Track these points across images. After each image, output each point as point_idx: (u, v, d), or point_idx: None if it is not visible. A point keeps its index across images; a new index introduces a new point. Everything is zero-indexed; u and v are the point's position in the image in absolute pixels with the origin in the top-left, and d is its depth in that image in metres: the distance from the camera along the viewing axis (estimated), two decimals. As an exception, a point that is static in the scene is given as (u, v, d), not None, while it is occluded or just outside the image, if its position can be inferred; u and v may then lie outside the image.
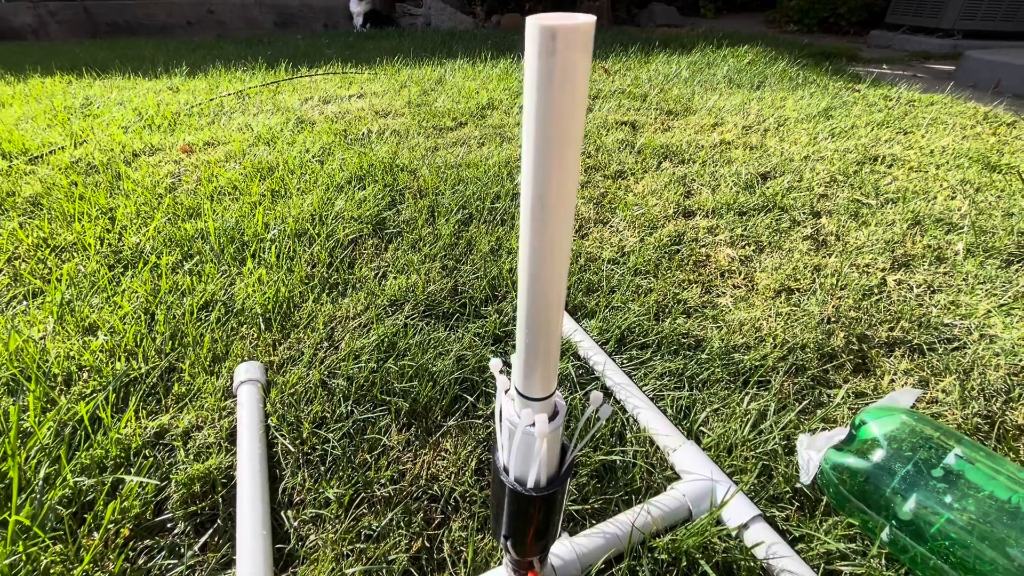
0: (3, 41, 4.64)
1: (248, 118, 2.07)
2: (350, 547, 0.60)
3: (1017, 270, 1.11)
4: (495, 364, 0.40)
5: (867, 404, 0.79)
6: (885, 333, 0.94)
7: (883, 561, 0.59)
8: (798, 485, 0.67)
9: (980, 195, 1.43)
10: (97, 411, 0.74)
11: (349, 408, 0.77)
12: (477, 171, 1.52)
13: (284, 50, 3.74)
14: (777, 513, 0.64)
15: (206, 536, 0.62)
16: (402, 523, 0.63)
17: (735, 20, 6.28)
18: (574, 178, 0.27)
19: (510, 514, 0.44)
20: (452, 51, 3.58)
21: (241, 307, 0.96)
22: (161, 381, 0.81)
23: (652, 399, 0.80)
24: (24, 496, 0.62)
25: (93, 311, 0.94)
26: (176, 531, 0.62)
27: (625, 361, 0.88)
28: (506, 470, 0.42)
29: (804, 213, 1.34)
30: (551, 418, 0.38)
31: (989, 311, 0.99)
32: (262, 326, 0.92)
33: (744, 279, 1.09)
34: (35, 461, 0.66)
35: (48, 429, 0.70)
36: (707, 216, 1.34)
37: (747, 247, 1.20)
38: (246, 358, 0.85)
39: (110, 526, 0.60)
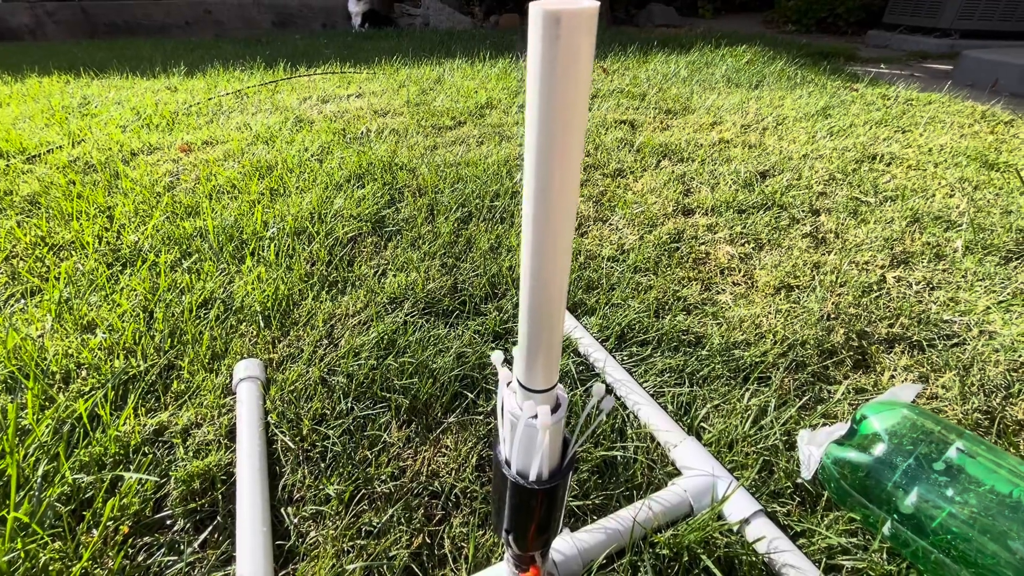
0: (1, 41, 4.63)
1: (247, 117, 2.06)
2: (351, 543, 0.60)
3: (1016, 267, 1.11)
4: (497, 357, 0.40)
5: (867, 400, 0.79)
6: (885, 329, 0.94)
7: (884, 555, 0.58)
8: (799, 480, 0.67)
9: (978, 193, 1.44)
10: (96, 408, 0.74)
11: (349, 405, 0.76)
12: (476, 169, 1.52)
13: (282, 50, 3.74)
14: (778, 508, 0.64)
15: (206, 533, 0.62)
16: (403, 519, 0.62)
17: (733, 20, 6.29)
18: (577, 166, 0.27)
19: (512, 508, 0.43)
20: (450, 51, 3.58)
21: (240, 305, 0.95)
22: (160, 379, 0.81)
23: (653, 395, 0.80)
24: (23, 493, 0.61)
25: (91, 309, 0.94)
26: (176, 528, 0.62)
27: (625, 358, 0.88)
28: (508, 463, 0.42)
29: (803, 211, 1.34)
30: (553, 410, 0.38)
31: (988, 308, 0.99)
32: (261, 324, 0.92)
33: (744, 276, 1.09)
34: (33, 459, 0.66)
35: (46, 427, 0.70)
36: (706, 214, 1.34)
37: (747, 245, 1.20)
38: (245, 356, 0.85)
39: (109, 523, 0.60)
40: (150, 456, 0.68)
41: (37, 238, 1.16)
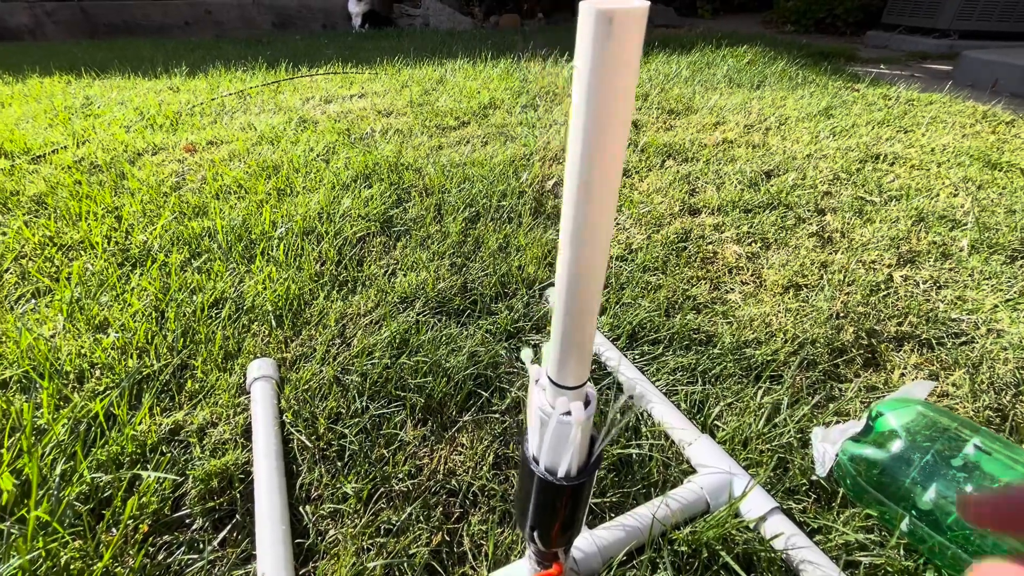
0: (0, 42, 4.62)
1: (250, 117, 2.06)
2: (370, 541, 0.60)
3: (1022, 266, 1.11)
4: (527, 354, 0.41)
5: (879, 397, 0.79)
6: (894, 328, 0.94)
7: (901, 552, 0.59)
8: (814, 478, 0.67)
9: (982, 192, 1.44)
10: (112, 408, 0.74)
11: (364, 404, 0.77)
12: (483, 169, 1.52)
13: (283, 50, 3.73)
14: (794, 505, 0.65)
15: (225, 532, 0.62)
16: (421, 517, 0.63)
17: (732, 21, 6.31)
18: (619, 165, 0.27)
19: (538, 505, 0.44)
20: (452, 51, 3.58)
21: (252, 304, 0.96)
22: (174, 378, 0.81)
23: (666, 393, 0.80)
24: (42, 492, 0.61)
25: (103, 309, 0.94)
26: (195, 527, 0.62)
27: (637, 356, 0.88)
28: (536, 460, 0.42)
29: (809, 210, 1.35)
30: (584, 406, 0.38)
31: (996, 306, 1.00)
32: (273, 323, 0.92)
33: (752, 275, 1.10)
34: (51, 458, 0.66)
35: (63, 426, 0.70)
36: (713, 214, 1.34)
37: (754, 244, 1.21)
38: (258, 355, 0.85)
39: (129, 522, 0.60)
40: (167, 455, 0.68)
41: (45, 238, 1.16)
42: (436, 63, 3.13)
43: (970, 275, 1.09)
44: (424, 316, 0.95)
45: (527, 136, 1.86)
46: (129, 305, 0.94)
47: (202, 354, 0.84)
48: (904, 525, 0.57)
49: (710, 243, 1.21)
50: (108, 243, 1.15)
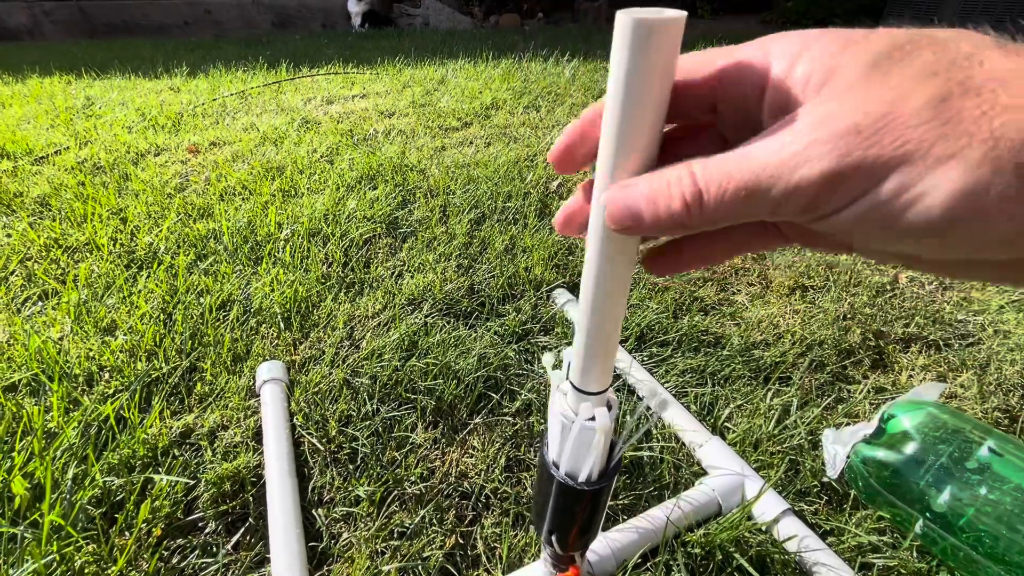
0: (-2, 41, 4.61)
1: (252, 118, 2.06)
2: (384, 544, 0.60)
3: (1026, 266, 1.12)
4: (548, 359, 0.41)
5: (888, 399, 0.79)
6: (901, 329, 0.95)
7: (914, 553, 0.59)
8: (825, 479, 0.68)
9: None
10: (122, 411, 0.74)
11: (375, 407, 0.77)
12: (487, 170, 1.52)
13: (283, 50, 3.73)
14: (806, 507, 0.65)
15: (238, 535, 0.62)
16: (434, 520, 0.63)
17: (731, 21, 6.32)
18: (652, 167, 0.27)
19: (557, 509, 0.44)
20: (452, 51, 3.58)
21: (259, 307, 0.95)
22: (183, 381, 0.81)
23: (675, 395, 0.80)
24: (54, 496, 0.61)
25: (110, 311, 0.93)
26: (208, 530, 0.62)
27: (646, 358, 0.88)
28: (556, 465, 0.42)
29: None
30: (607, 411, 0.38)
31: (1002, 307, 1.00)
32: (281, 325, 0.92)
33: (758, 277, 1.10)
34: (62, 461, 0.66)
35: (74, 429, 0.70)
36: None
37: (759, 245, 1.21)
38: (267, 357, 0.85)
39: (142, 526, 0.60)
40: (179, 459, 0.68)
41: (51, 240, 1.16)
42: (437, 63, 3.13)
43: (975, 276, 1.10)
44: (432, 318, 0.95)
45: (530, 137, 1.86)
46: (137, 307, 0.94)
47: (211, 357, 0.84)
48: (917, 527, 0.58)
49: (716, 244, 1.21)
50: (114, 245, 1.15)
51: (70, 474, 0.64)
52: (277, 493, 0.64)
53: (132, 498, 0.63)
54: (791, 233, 0.22)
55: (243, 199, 1.37)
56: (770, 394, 0.80)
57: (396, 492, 0.66)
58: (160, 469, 0.67)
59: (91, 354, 0.84)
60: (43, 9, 4.81)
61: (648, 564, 0.58)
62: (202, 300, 0.96)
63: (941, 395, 0.66)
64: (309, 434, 0.72)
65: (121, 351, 0.85)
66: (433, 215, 1.29)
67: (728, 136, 0.23)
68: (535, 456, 0.71)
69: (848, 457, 0.64)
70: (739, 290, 1.06)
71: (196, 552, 0.60)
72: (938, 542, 0.57)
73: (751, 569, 0.56)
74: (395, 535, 0.61)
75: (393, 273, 1.08)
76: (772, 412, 0.77)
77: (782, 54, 0.19)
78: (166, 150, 1.73)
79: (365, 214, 1.27)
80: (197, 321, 0.92)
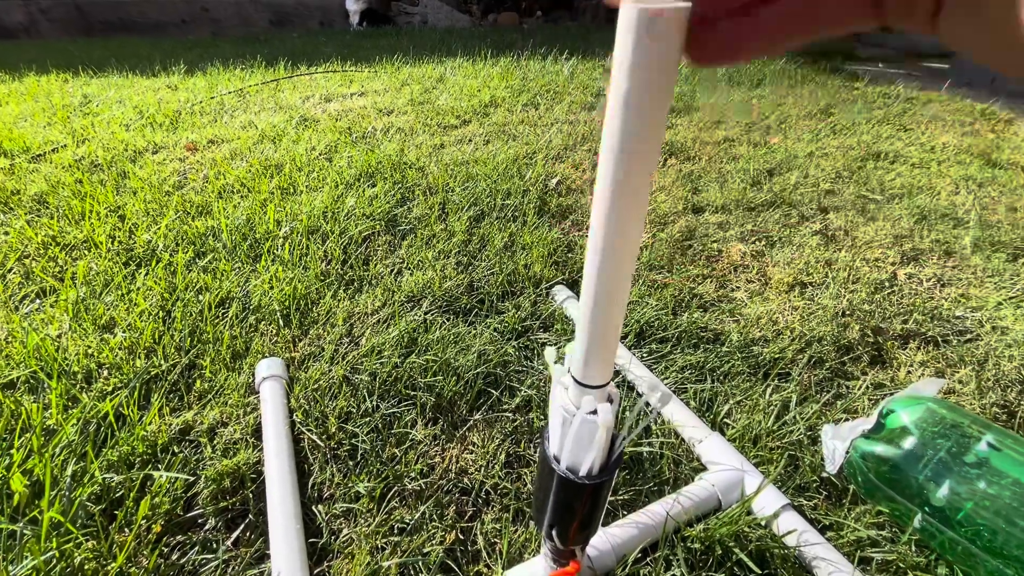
0: (-6, 39, 4.58)
1: (250, 116, 2.05)
2: (384, 540, 0.60)
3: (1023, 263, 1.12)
4: (550, 353, 0.41)
5: (887, 395, 0.80)
6: (899, 326, 0.95)
7: (913, 547, 0.59)
8: (824, 474, 0.68)
9: (983, 190, 1.45)
10: (121, 408, 0.74)
11: (374, 403, 0.77)
12: (486, 168, 1.52)
13: (281, 48, 3.72)
14: (805, 502, 0.65)
15: (238, 531, 0.62)
16: (435, 516, 0.63)
17: (730, 19, 6.31)
18: (654, 165, 0.27)
19: (558, 503, 0.44)
20: (451, 49, 3.58)
21: (258, 304, 0.95)
22: (182, 378, 0.81)
23: (675, 392, 0.80)
24: (54, 493, 0.61)
25: (109, 309, 0.93)
26: (208, 527, 0.62)
27: (645, 355, 0.88)
28: (557, 459, 0.42)
29: (812, 208, 1.36)
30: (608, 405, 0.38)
31: (999, 303, 1.00)
32: (280, 322, 0.92)
33: (757, 274, 1.10)
34: (61, 458, 0.66)
35: (73, 427, 0.69)
36: (716, 212, 1.35)
37: (758, 242, 1.21)
38: (266, 355, 0.85)
39: (142, 523, 0.60)
40: (179, 455, 0.68)
41: (48, 238, 1.16)
42: (436, 61, 3.13)
43: (973, 273, 1.10)
44: (432, 315, 0.95)
45: (528, 135, 1.86)
46: (135, 305, 0.94)
47: (210, 354, 0.84)
48: (916, 521, 0.58)
49: (715, 241, 1.21)
50: (112, 242, 1.15)
51: (69, 471, 0.64)
52: (277, 489, 0.64)
53: (132, 495, 0.63)
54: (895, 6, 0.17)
55: (241, 197, 1.36)
56: (769, 390, 0.80)
57: (396, 488, 0.66)
58: (160, 466, 0.67)
59: (90, 351, 0.83)
60: (40, 7, 4.78)
61: (648, 559, 0.58)
62: (201, 297, 0.96)
63: (940, 391, 0.66)
64: (309, 431, 0.72)
65: (120, 348, 0.85)
66: (432, 212, 1.29)
67: None
68: (535, 452, 0.71)
69: (847, 452, 0.64)
70: (738, 287, 1.06)
71: (196, 548, 0.60)
72: (937, 536, 0.57)
73: (751, 564, 0.56)
74: (395, 531, 0.61)
75: (392, 270, 1.08)
76: (771, 408, 0.77)
77: None
78: (164, 148, 1.73)
79: (364, 211, 1.27)
80: (196, 318, 0.92)
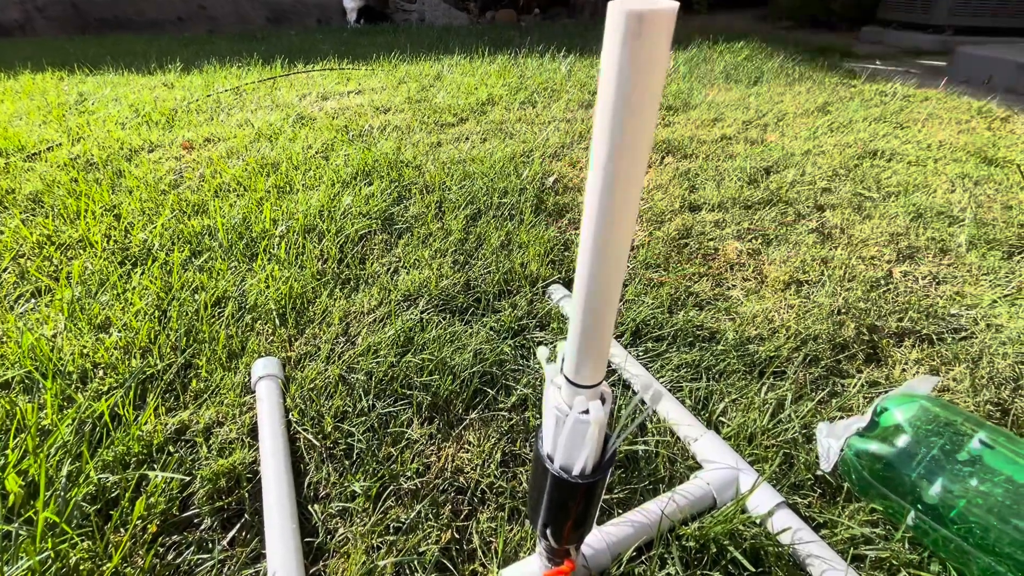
0: (-11, 37, 4.56)
1: (247, 114, 2.05)
2: (380, 539, 0.60)
3: (1019, 261, 1.13)
4: (542, 353, 0.41)
5: (882, 393, 0.80)
6: (894, 323, 0.95)
7: (906, 545, 0.60)
8: (819, 472, 0.68)
9: (979, 188, 1.46)
10: (116, 408, 0.74)
11: (370, 402, 0.77)
12: (483, 166, 1.52)
13: (278, 46, 3.71)
14: (800, 500, 0.65)
15: (234, 531, 0.62)
16: (430, 515, 0.63)
17: (728, 16, 6.31)
18: (644, 165, 0.27)
19: (551, 502, 0.44)
20: (448, 47, 3.57)
21: (254, 303, 0.95)
22: (178, 378, 0.81)
23: (670, 390, 0.81)
24: (49, 493, 0.61)
25: (104, 308, 0.93)
26: (203, 526, 0.62)
27: (641, 353, 0.88)
28: (550, 458, 0.42)
29: (808, 206, 1.36)
30: (601, 404, 0.38)
31: (994, 301, 1.01)
32: (277, 322, 0.92)
33: (753, 272, 1.10)
34: (56, 458, 0.66)
35: (68, 427, 0.69)
36: (713, 210, 1.35)
37: (754, 240, 1.21)
38: (262, 354, 0.85)
39: (137, 523, 0.60)
40: (174, 455, 0.68)
41: (43, 237, 1.15)
42: (433, 59, 3.12)
43: (968, 270, 1.10)
44: (428, 314, 0.95)
45: (526, 133, 1.85)
46: (131, 304, 0.94)
47: (206, 353, 0.84)
48: (909, 519, 0.58)
49: (711, 239, 1.21)
50: (107, 242, 1.14)
51: (64, 471, 0.64)
52: (273, 489, 0.64)
53: (127, 495, 0.63)
54: None
55: (238, 195, 1.36)
56: (764, 388, 0.81)
57: (392, 487, 0.66)
58: (155, 466, 0.67)
59: (85, 351, 0.83)
60: (35, 5, 4.76)
61: (643, 557, 0.58)
62: (197, 297, 0.96)
63: (934, 388, 0.66)
64: (305, 430, 0.72)
65: (115, 348, 0.84)
66: (429, 211, 1.29)
67: None
68: (530, 451, 0.71)
69: (841, 450, 0.65)
70: (734, 285, 1.06)
71: (192, 548, 0.60)
72: (930, 533, 0.57)
73: (745, 562, 0.56)
74: (391, 530, 0.61)
75: (389, 269, 1.08)
76: (767, 406, 0.77)
77: None
78: (160, 146, 1.72)
79: (360, 210, 1.27)
80: (192, 318, 0.91)
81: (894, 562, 0.58)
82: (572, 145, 1.75)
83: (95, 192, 1.34)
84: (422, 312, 0.95)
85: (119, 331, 0.88)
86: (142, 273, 1.03)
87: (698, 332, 0.92)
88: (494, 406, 0.78)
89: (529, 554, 0.59)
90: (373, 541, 0.60)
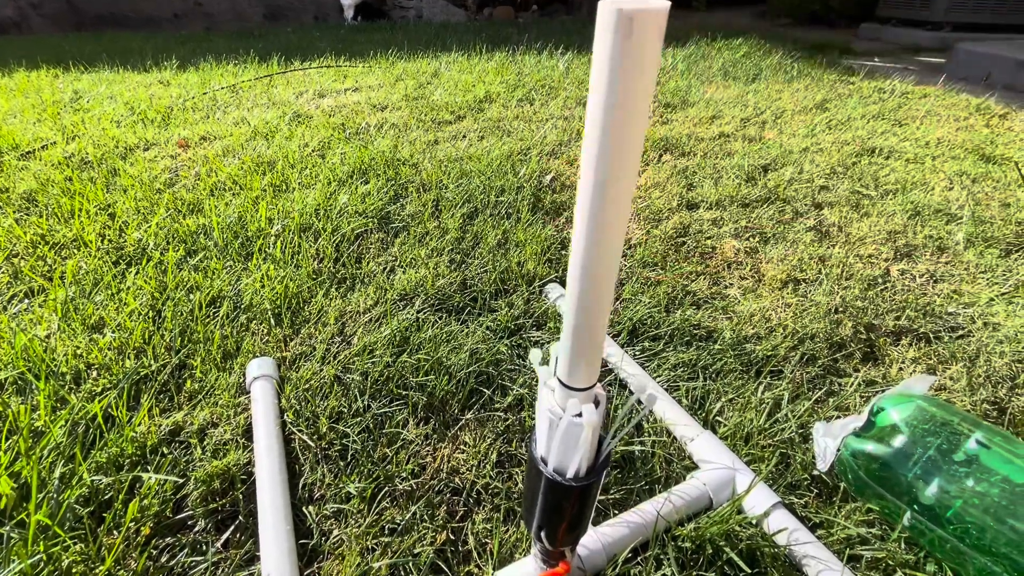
0: (-17, 34, 4.53)
1: (243, 112, 2.04)
2: (375, 541, 0.60)
3: (1016, 259, 1.12)
4: (535, 356, 0.40)
5: (878, 392, 0.80)
6: (891, 322, 0.95)
7: (902, 545, 0.60)
8: (815, 472, 0.68)
9: (977, 186, 1.45)
10: (110, 409, 0.73)
11: (366, 403, 0.76)
12: (480, 164, 1.51)
13: (275, 43, 3.69)
14: (796, 500, 0.65)
15: (228, 533, 0.61)
16: (425, 516, 0.63)
17: (726, 13, 6.29)
18: (636, 164, 0.27)
19: (546, 504, 0.44)
20: (446, 44, 3.55)
21: (250, 303, 0.95)
22: (172, 378, 0.80)
23: (667, 389, 0.80)
24: (41, 495, 0.61)
25: (98, 308, 0.92)
26: (197, 528, 0.62)
27: (637, 353, 0.88)
28: (544, 461, 0.42)
29: (806, 205, 1.35)
30: (594, 407, 0.38)
31: (991, 299, 1.00)
32: (272, 322, 0.91)
33: (751, 270, 1.10)
34: (49, 460, 0.65)
35: (61, 428, 0.69)
36: (711, 208, 1.34)
37: (752, 238, 1.21)
38: (257, 354, 0.84)
39: (131, 525, 0.60)
40: (168, 457, 0.68)
41: (37, 236, 1.14)
42: (430, 56, 3.11)
43: (966, 269, 1.10)
44: (424, 313, 0.94)
45: (523, 130, 1.85)
46: (125, 304, 0.93)
47: (200, 354, 0.84)
48: (906, 519, 0.58)
49: (709, 238, 1.21)
50: (102, 241, 1.14)
51: (57, 473, 0.63)
52: (267, 490, 0.63)
53: (120, 497, 0.63)
54: None
55: (233, 194, 1.35)
56: (761, 388, 0.80)
57: (387, 488, 0.66)
58: (149, 467, 0.67)
59: (78, 352, 0.83)
60: (30, 2, 4.73)
61: (639, 558, 0.58)
62: (192, 296, 0.95)
63: (930, 388, 0.66)
64: (300, 431, 0.72)
65: (109, 348, 0.84)
66: (425, 210, 1.28)
67: None
68: (526, 451, 0.70)
69: (838, 450, 0.65)
70: (731, 284, 1.06)
71: (185, 550, 0.59)
72: (926, 534, 0.57)
73: (741, 563, 0.56)
74: (386, 531, 0.61)
75: (385, 268, 1.08)
76: (763, 406, 0.77)
77: None
78: (155, 145, 1.71)
79: (357, 209, 1.26)
80: (186, 318, 0.91)
81: (890, 562, 0.58)
82: (570, 143, 1.75)
83: (89, 191, 1.33)
84: (418, 311, 0.95)
85: (113, 331, 0.87)
86: (136, 273, 1.02)
87: (695, 331, 0.92)
88: (490, 406, 0.77)
89: (524, 555, 0.59)
90: (368, 543, 0.60)
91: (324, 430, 0.72)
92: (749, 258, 1.14)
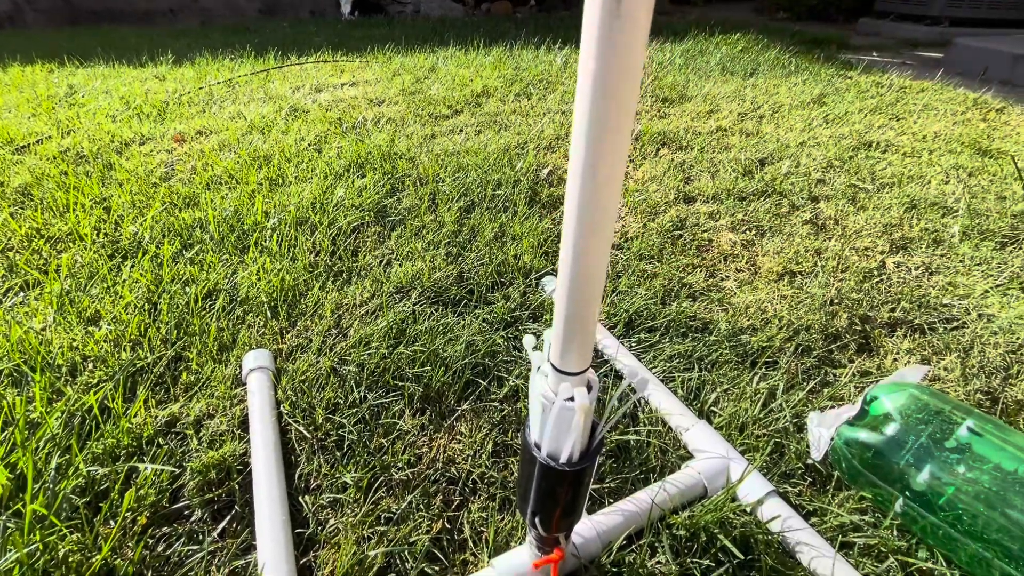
0: (-22, 29, 4.50)
1: (240, 106, 2.03)
2: (370, 530, 0.60)
3: (1011, 251, 1.13)
4: (528, 341, 0.40)
5: (873, 382, 0.80)
6: (887, 314, 0.95)
7: (895, 532, 0.60)
8: (809, 461, 0.68)
9: (973, 179, 1.46)
10: (106, 401, 0.73)
11: (362, 394, 0.76)
12: (477, 158, 1.51)
13: (272, 38, 3.67)
14: (790, 489, 0.65)
15: (224, 522, 0.62)
16: (421, 506, 0.63)
17: (725, 7, 6.28)
18: (625, 149, 0.27)
19: (540, 490, 0.44)
20: (444, 39, 3.54)
21: (246, 295, 0.95)
22: (168, 370, 0.80)
23: (662, 380, 0.81)
24: (37, 486, 0.61)
25: (94, 301, 0.92)
26: (194, 518, 0.62)
27: (634, 344, 0.88)
28: (538, 446, 0.42)
29: (803, 198, 1.36)
30: (587, 392, 0.38)
31: (986, 291, 1.01)
32: (268, 314, 0.91)
33: (747, 263, 1.10)
34: (45, 451, 0.65)
35: (57, 419, 0.69)
36: (707, 201, 1.34)
37: (748, 231, 1.21)
38: (254, 346, 0.84)
39: (127, 515, 0.60)
40: (164, 447, 0.68)
41: (32, 230, 1.14)
42: (428, 51, 3.10)
43: (961, 261, 1.11)
44: (420, 306, 0.95)
45: (520, 124, 1.84)
46: (121, 297, 0.93)
47: (197, 346, 0.84)
48: (898, 506, 0.58)
49: (705, 231, 1.21)
50: (97, 235, 1.13)
51: (53, 464, 0.63)
52: (263, 480, 0.63)
53: (117, 487, 0.63)
54: None
55: (230, 188, 1.35)
56: (756, 378, 0.81)
57: (383, 478, 0.66)
58: (145, 458, 0.67)
59: (74, 344, 0.83)
60: (24, -4, 4.69)
61: (633, 546, 0.58)
62: (188, 289, 0.95)
63: (924, 377, 0.66)
64: (296, 422, 0.72)
65: (105, 341, 0.84)
66: (422, 203, 1.28)
67: None
68: (521, 439, 0.71)
69: (832, 439, 0.65)
70: (728, 276, 1.06)
71: (182, 540, 0.59)
72: (918, 521, 0.58)
73: (735, 550, 0.56)
74: (382, 521, 0.61)
75: (381, 261, 1.08)
76: (758, 396, 0.77)
77: None
78: (151, 139, 1.71)
79: (353, 202, 1.26)
80: (183, 310, 0.91)
81: (882, 549, 0.58)
82: (567, 137, 1.75)
83: (85, 185, 1.33)
84: (415, 304, 0.95)
85: (109, 324, 0.87)
86: (132, 266, 1.02)
87: (691, 323, 0.92)
88: (486, 397, 0.78)
89: (520, 543, 0.59)
90: (364, 532, 0.60)
91: (320, 421, 0.72)
92: (745, 251, 1.14)
